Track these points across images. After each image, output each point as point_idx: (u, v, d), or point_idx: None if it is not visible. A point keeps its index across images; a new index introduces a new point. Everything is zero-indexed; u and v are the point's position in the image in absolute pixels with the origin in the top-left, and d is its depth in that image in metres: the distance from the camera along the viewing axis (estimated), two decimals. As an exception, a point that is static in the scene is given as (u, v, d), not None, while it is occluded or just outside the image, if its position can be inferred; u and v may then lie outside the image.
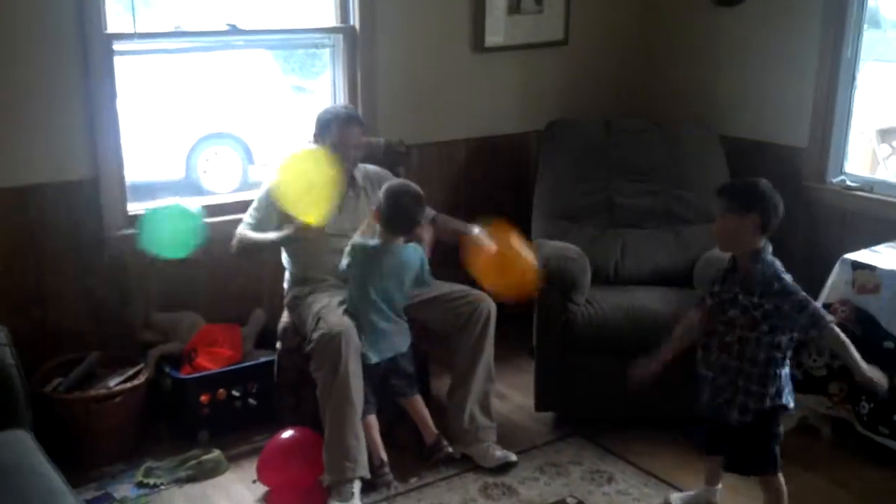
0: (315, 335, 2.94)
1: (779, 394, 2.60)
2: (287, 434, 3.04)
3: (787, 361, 2.63)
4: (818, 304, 3.25)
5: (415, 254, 3.06)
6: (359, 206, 3.30)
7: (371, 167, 3.41)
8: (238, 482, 3.05)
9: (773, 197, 2.65)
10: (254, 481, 2.99)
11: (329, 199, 2.98)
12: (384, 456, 3.01)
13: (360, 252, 3.01)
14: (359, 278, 3.02)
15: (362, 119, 3.38)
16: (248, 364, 3.38)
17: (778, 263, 2.67)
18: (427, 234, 3.12)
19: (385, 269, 3.00)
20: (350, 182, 3.28)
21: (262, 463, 2.99)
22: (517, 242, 3.02)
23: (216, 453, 3.14)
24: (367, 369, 2.97)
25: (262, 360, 3.38)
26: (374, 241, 3.02)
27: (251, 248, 3.21)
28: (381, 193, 3.04)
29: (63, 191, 3.21)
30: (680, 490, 3.01)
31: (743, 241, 2.63)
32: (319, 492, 2.92)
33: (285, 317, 3.28)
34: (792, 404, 2.66)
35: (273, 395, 3.32)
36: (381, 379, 3.05)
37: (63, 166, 3.20)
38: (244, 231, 3.22)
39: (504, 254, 2.98)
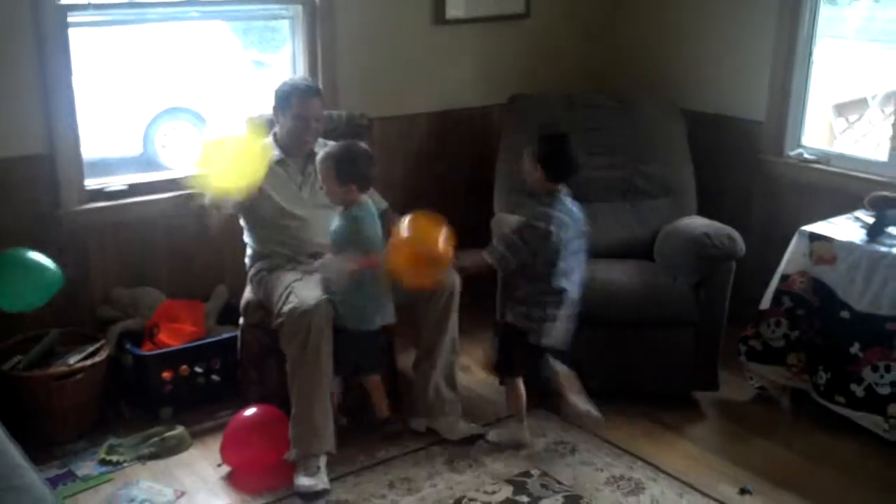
0: (285, 308, 2.92)
1: None
2: (248, 413, 3.00)
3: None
4: (777, 275, 3.32)
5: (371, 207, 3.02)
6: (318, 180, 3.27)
7: (332, 143, 3.38)
8: (202, 458, 3.04)
9: None
10: (219, 465, 2.97)
11: (246, 166, 2.92)
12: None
13: (369, 223, 2.97)
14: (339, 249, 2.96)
15: (321, 91, 3.34)
16: (210, 340, 3.35)
17: None
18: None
19: (371, 231, 2.96)
20: (309, 156, 3.25)
21: (224, 444, 2.96)
22: (430, 233, 2.84)
23: (179, 430, 3.12)
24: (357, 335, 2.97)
25: (225, 335, 3.36)
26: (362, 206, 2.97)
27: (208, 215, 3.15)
28: (324, 161, 2.95)
29: (17, 166, 3.14)
30: (639, 458, 3.06)
31: None
32: (285, 468, 2.91)
33: (248, 292, 3.26)
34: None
35: (236, 370, 3.31)
36: (355, 347, 3.01)
37: (17, 141, 3.13)
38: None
39: (412, 243, 2.81)
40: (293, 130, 3.19)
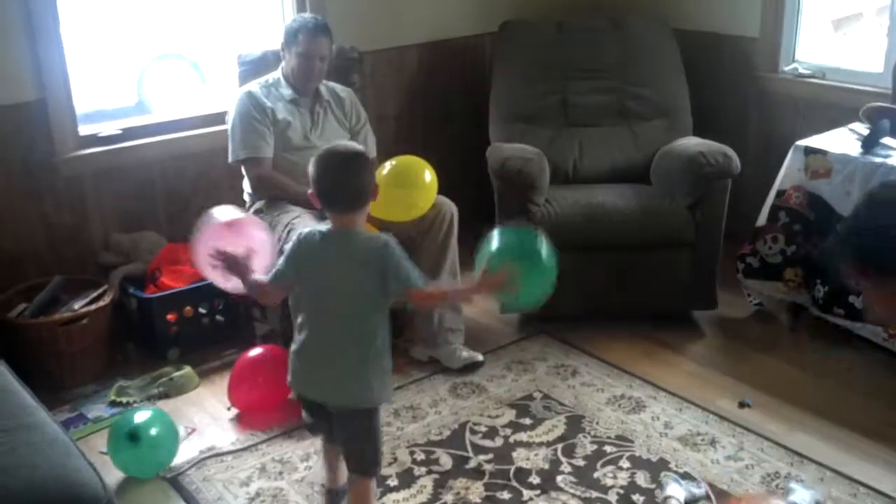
0: (286, 246, 2.93)
1: None
2: (252, 355, 3.02)
3: None
4: (772, 192, 3.32)
5: (375, 241, 2.14)
6: (330, 121, 3.27)
7: (335, 85, 3.36)
8: (211, 396, 3.09)
9: None
10: (228, 408, 3.01)
11: None
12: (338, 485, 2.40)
13: (305, 250, 2.17)
14: (309, 293, 2.19)
15: (330, 30, 3.26)
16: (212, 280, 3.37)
17: None
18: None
19: (330, 267, 2.14)
20: (316, 97, 3.25)
21: (231, 388, 2.99)
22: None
23: (187, 370, 3.17)
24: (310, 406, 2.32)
25: (227, 275, 3.38)
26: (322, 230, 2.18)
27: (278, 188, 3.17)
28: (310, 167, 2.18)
29: (9, 114, 3.13)
30: (639, 377, 3.09)
31: None
32: (293, 405, 2.95)
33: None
34: None
35: (239, 309, 3.34)
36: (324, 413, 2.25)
37: (7, 90, 3.11)
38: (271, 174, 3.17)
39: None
40: (297, 69, 3.18)
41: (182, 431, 2.88)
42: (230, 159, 3.20)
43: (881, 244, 1.60)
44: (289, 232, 2.98)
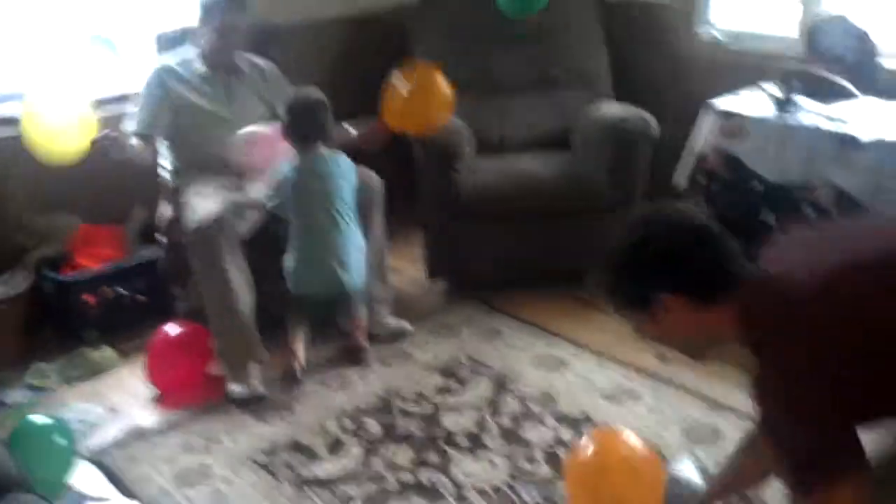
0: (187, 227, 2.91)
1: None
2: (167, 332, 2.97)
3: None
4: (690, 154, 3.37)
5: (344, 160, 2.97)
6: (246, 95, 3.23)
7: (260, 59, 3.32)
8: (132, 376, 3.03)
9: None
10: (147, 386, 2.96)
11: None
12: (299, 365, 3.00)
13: (287, 180, 2.90)
14: (298, 205, 2.91)
15: (245, 4, 3.22)
16: (131, 261, 3.32)
17: None
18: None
19: (322, 183, 2.90)
20: (234, 69, 3.21)
21: (149, 368, 2.94)
22: (427, 80, 2.97)
23: (106, 351, 3.11)
24: (308, 297, 2.95)
25: (146, 255, 3.32)
26: (294, 163, 2.92)
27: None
28: (281, 110, 2.96)
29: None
30: (561, 336, 3.14)
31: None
32: (216, 381, 2.92)
33: (165, 208, 3.22)
34: None
35: (161, 288, 3.28)
36: (325, 306, 3.01)
37: None
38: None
39: (415, 93, 2.93)
40: (213, 43, 3.13)
41: (103, 413, 2.82)
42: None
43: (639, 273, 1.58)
44: (191, 210, 2.94)
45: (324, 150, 2.93)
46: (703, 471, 2.13)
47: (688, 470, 2.15)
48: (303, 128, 2.90)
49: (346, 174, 2.94)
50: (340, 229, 2.89)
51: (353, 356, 3.07)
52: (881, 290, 1.44)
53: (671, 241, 1.56)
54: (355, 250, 2.94)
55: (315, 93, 2.96)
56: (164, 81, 3.12)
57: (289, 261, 2.94)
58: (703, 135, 3.34)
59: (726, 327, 1.54)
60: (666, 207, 1.70)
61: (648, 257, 1.56)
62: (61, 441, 2.44)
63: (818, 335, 1.41)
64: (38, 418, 2.50)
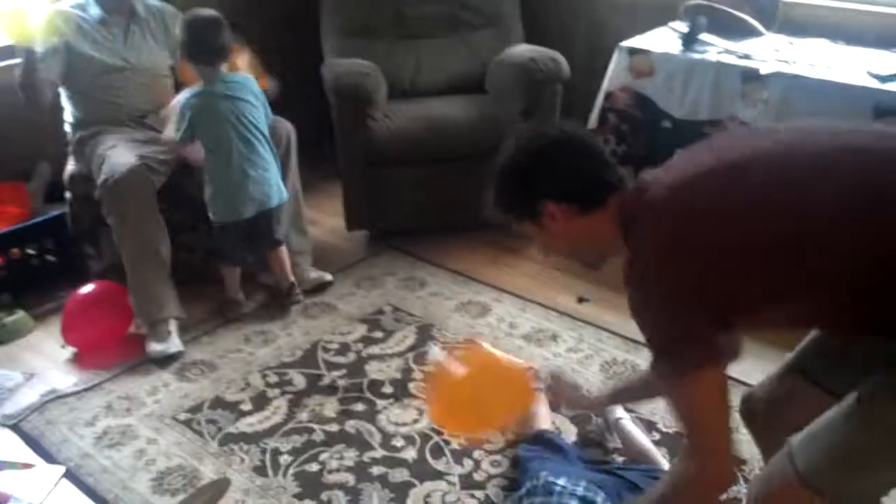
0: (100, 179, 2.82)
1: None
2: (83, 291, 2.91)
3: None
4: (601, 94, 3.40)
5: (249, 79, 2.91)
6: (144, 40, 3.11)
7: (154, 1, 3.19)
8: (48, 339, 2.96)
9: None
10: (62, 346, 2.91)
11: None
12: (241, 297, 3.10)
13: (192, 105, 2.81)
14: (208, 129, 2.83)
15: None
16: (38, 220, 3.21)
17: None
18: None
19: (230, 103, 2.83)
20: (130, 14, 3.09)
21: (65, 327, 2.88)
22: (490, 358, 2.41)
23: (20, 314, 3.02)
24: (234, 224, 2.90)
25: (54, 213, 3.22)
26: (197, 87, 2.85)
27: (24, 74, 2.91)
28: (179, 31, 2.85)
29: None
30: (484, 282, 3.16)
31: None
32: (136, 339, 2.88)
33: (71, 164, 3.12)
34: None
35: (72, 247, 3.19)
36: (249, 230, 2.95)
37: None
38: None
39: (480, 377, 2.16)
40: None
41: (20, 378, 2.76)
42: None
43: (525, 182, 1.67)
44: (101, 165, 2.86)
45: (227, 70, 2.87)
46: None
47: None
48: (203, 47, 2.80)
49: (253, 93, 2.89)
50: (254, 147, 2.85)
51: (283, 297, 3.08)
52: (728, 193, 1.51)
53: (548, 150, 1.66)
54: (272, 167, 2.92)
55: (212, 11, 2.87)
56: (58, 28, 2.98)
57: (207, 190, 2.90)
58: (614, 75, 3.38)
59: (609, 235, 1.64)
60: (546, 124, 1.82)
61: (526, 166, 1.66)
62: None
63: (667, 235, 1.52)
64: None
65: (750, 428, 1.86)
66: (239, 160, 2.84)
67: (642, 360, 2.68)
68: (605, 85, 3.38)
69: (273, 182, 2.92)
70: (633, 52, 3.29)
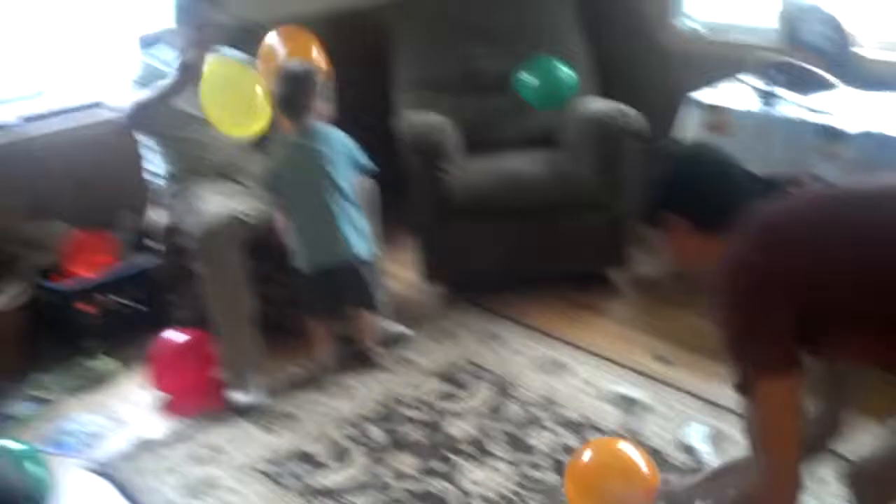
0: (191, 230, 2.91)
1: None
2: (171, 339, 3.00)
3: None
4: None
5: (336, 134, 2.96)
6: None
7: (235, 53, 3.29)
8: (134, 386, 3.05)
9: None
10: (148, 389, 2.99)
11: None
12: (327, 357, 3.08)
13: (278, 154, 2.90)
14: (293, 179, 2.90)
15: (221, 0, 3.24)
16: (127, 268, 3.32)
17: None
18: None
19: (315, 154, 2.89)
20: None
21: (151, 372, 2.97)
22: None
23: (107, 360, 3.12)
24: (315, 275, 2.92)
25: (142, 262, 3.33)
26: (285, 138, 2.93)
27: (151, 103, 3.01)
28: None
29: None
30: (560, 339, 3.18)
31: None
32: (219, 387, 2.94)
33: (158, 214, 3.21)
34: None
35: (158, 296, 3.29)
36: (332, 284, 2.94)
37: None
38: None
39: None
40: (191, 42, 3.10)
41: (106, 424, 2.85)
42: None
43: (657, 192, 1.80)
44: (195, 214, 2.95)
45: (315, 123, 2.92)
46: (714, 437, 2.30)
47: (696, 434, 2.27)
48: (290, 101, 2.89)
49: (340, 147, 2.93)
50: (338, 200, 2.88)
51: (362, 359, 3.09)
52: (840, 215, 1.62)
53: (683, 165, 1.81)
54: (356, 220, 2.94)
55: (305, 64, 2.96)
56: (151, 72, 3.10)
57: (292, 240, 2.95)
58: (687, 129, 3.38)
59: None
60: (704, 145, 2.10)
61: (660, 174, 1.80)
62: (35, 469, 2.45)
63: (769, 230, 1.63)
64: (12, 444, 2.51)
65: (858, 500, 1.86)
66: (322, 212, 2.89)
67: (726, 425, 2.64)
68: (678, 138, 3.38)
69: (355, 235, 2.94)
70: (707, 106, 3.28)
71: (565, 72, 3.37)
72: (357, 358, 3.11)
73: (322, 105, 2.95)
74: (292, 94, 2.89)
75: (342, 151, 2.95)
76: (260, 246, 3.04)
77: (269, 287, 3.11)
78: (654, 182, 1.80)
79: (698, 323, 3.23)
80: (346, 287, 2.97)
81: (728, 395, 2.70)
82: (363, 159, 3.00)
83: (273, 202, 2.96)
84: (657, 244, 1.87)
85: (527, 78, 3.37)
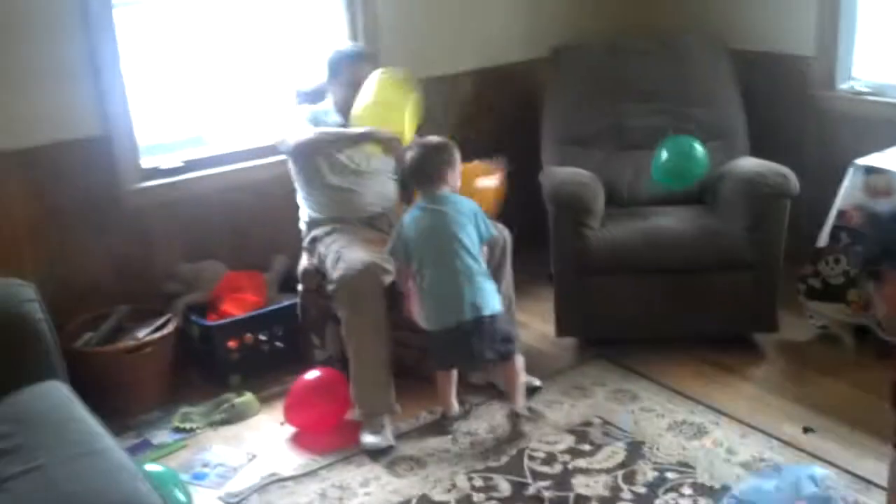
0: (336, 275, 2.99)
1: None
2: (308, 376, 3.07)
3: None
4: (833, 212, 3.26)
5: (463, 200, 2.96)
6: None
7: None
8: (271, 422, 3.13)
9: None
10: (281, 423, 3.07)
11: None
12: (453, 411, 3.05)
13: (403, 219, 2.95)
14: (417, 242, 2.91)
15: (373, 55, 3.37)
16: (272, 308, 3.43)
17: None
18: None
19: (441, 219, 2.89)
20: None
21: (287, 406, 3.05)
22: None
23: (248, 396, 3.22)
24: (444, 331, 2.89)
25: (286, 303, 3.43)
26: (417, 205, 2.97)
27: (329, 139, 3.16)
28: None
29: (74, 149, 3.22)
30: (700, 402, 3.06)
31: None
32: (351, 427, 2.99)
33: (304, 259, 3.33)
34: None
35: (299, 336, 3.39)
36: (462, 339, 2.87)
37: (72, 124, 3.21)
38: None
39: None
40: (346, 99, 3.22)
41: (243, 457, 2.92)
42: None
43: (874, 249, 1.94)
44: (338, 260, 3.04)
45: (444, 190, 2.95)
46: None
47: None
48: (419, 172, 2.95)
49: (467, 213, 2.93)
50: (466, 263, 2.87)
51: (513, 422, 3.00)
52: None
53: None
54: (484, 280, 2.90)
55: (438, 139, 3.02)
56: (319, 119, 3.24)
57: (418, 305, 2.96)
58: (846, 191, 3.24)
59: None
60: None
61: (886, 234, 1.98)
62: (181, 497, 2.55)
63: None
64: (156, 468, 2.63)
65: None
66: (448, 275, 2.86)
67: (871, 500, 2.48)
68: (838, 203, 3.25)
69: (485, 293, 2.89)
70: (869, 170, 3.15)
71: (698, 150, 3.34)
72: (508, 418, 3.03)
73: (453, 177, 2.98)
74: (426, 163, 2.95)
75: (469, 215, 2.93)
76: (398, 292, 3.08)
77: (405, 333, 3.14)
78: (870, 239, 1.90)
79: (845, 392, 3.07)
80: (480, 342, 2.88)
81: (872, 469, 2.60)
82: (488, 226, 2.98)
83: (397, 268, 2.98)
84: (872, 297, 1.97)
85: (660, 157, 3.37)
